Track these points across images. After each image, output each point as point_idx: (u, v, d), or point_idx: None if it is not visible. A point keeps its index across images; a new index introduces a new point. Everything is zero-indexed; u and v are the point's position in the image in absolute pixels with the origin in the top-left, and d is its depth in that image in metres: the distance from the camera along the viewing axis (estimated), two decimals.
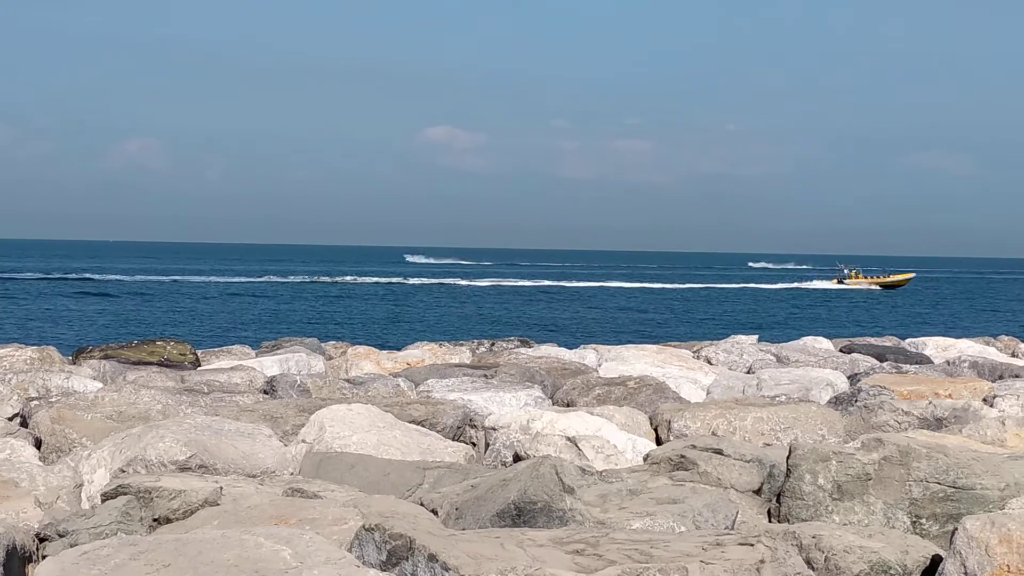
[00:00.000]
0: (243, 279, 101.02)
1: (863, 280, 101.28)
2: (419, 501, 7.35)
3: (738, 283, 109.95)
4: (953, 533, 5.83)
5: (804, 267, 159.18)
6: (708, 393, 13.10)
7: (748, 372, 14.46)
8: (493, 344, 17.67)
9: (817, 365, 14.62)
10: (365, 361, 14.61)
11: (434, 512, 6.97)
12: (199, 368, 14.02)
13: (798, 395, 12.11)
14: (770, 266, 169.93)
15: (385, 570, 5.62)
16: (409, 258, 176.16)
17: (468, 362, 15.08)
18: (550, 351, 16.11)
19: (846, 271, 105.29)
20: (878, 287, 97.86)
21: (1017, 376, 13.83)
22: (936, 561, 6.00)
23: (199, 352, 15.40)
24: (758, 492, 8.07)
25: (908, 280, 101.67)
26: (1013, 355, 17.39)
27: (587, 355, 15.42)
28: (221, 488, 7.01)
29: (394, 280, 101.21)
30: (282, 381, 12.06)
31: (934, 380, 12.64)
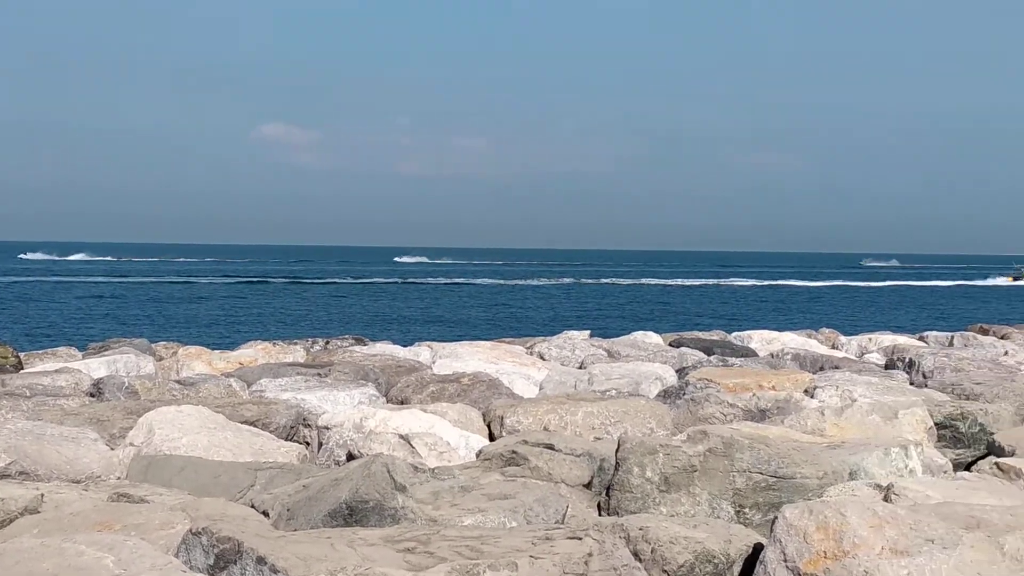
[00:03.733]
0: (69, 278, 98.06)
1: None
2: (250, 503, 7.26)
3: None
4: (773, 522, 6.01)
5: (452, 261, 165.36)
6: (541, 389, 13.24)
7: (580, 367, 14.65)
8: (328, 342, 17.52)
9: (647, 359, 14.89)
10: (196, 361, 14.33)
11: (265, 513, 6.90)
12: (21, 371, 13.56)
13: (628, 389, 12.32)
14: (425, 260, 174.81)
15: (213, 574, 5.55)
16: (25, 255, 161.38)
17: (302, 361, 14.94)
18: (385, 349, 16.06)
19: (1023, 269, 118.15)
20: None
21: (837, 367, 14.32)
22: (758, 549, 6.17)
23: (21, 355, 14.90)
24: (588, 486, 8.20)
25: None
26: (833, 347, 18.00)
27: (421, 352, 15.42)
28: (42, 495, 6.80)
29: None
30: (109, 383, 11.75)
31: (758, 373, 12.99)
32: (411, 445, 8.99)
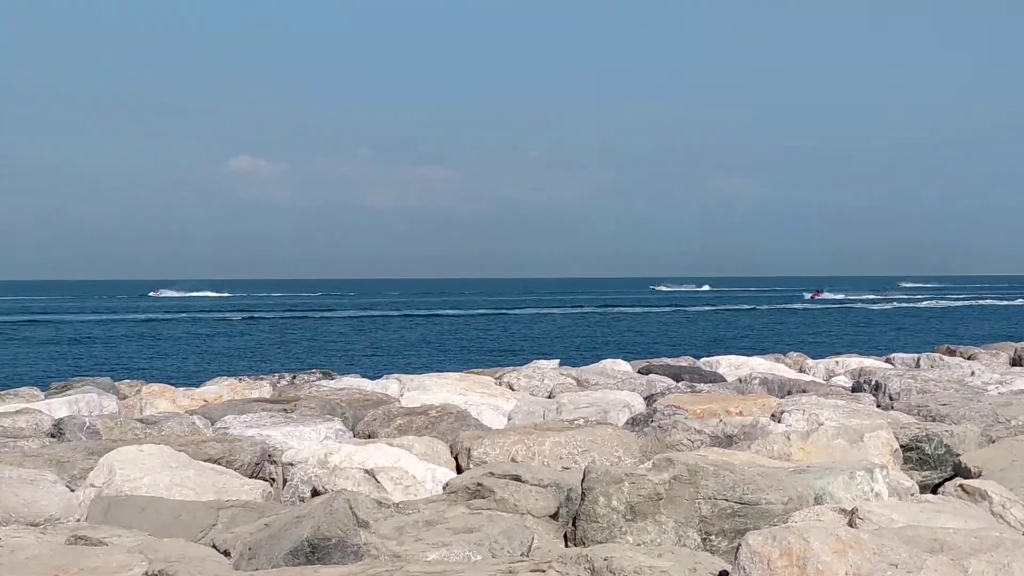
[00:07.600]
0: (38, 316, 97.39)
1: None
2: (212, 542, 7.16)
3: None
4: (737, 549, 5.97)
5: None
6: (509, 419, 13.17)
7: (549, 397, 14.59)
8: (295, 377, 17.40)
9: (616, 387, 14.86)
10: (160, 399, 14.20)
11: (226, 553, 6.81)
12: None
13: (596, 418, 12.27)
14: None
15: None
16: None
17: (268, 396, 14.82)
18: (352, 382, 15.95)
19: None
20: None
21: (804, 391, 14.32)
22: None
23: None
24: (555, 516, 8.14)
25: None
26: (801, 371, 18.01)
27: (390, 385, 15.32)
28: None
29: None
30: (70, 423, 11.61)
31: (725, 398, 12.97)
32: (376, 480, 8.90)
